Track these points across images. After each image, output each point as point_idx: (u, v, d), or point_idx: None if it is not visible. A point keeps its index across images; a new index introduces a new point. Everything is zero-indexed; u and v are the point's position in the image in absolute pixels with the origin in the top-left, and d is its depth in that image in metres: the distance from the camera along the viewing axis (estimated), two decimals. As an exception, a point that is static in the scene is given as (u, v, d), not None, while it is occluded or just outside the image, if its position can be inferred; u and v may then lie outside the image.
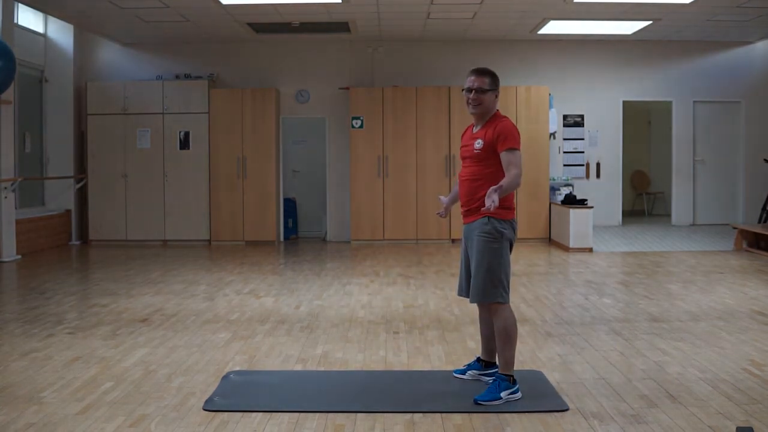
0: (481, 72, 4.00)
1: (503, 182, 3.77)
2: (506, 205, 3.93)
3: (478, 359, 4.29)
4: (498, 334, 3.94)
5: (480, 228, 3.93)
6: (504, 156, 3.87)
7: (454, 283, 7.63)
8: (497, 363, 4.05)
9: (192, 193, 11.36)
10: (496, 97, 4.00)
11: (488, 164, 3.94)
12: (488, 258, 3.90)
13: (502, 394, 3.84)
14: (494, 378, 3.95)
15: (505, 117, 4.01)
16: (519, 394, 3.89)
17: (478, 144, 3.94)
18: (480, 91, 3.95)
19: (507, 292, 3.95)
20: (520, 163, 3.85)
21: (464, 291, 4.15)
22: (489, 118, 4.01)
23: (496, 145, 3.89)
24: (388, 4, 9.33)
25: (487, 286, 3.90)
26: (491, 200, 3.61)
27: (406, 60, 11.91)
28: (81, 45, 11.60)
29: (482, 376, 4.20)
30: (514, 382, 3.90)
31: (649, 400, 3.86)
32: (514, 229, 4.02)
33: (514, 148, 3.86)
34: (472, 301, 3.98)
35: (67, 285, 7.70)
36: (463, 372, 4.30)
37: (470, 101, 3.98)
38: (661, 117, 13.97)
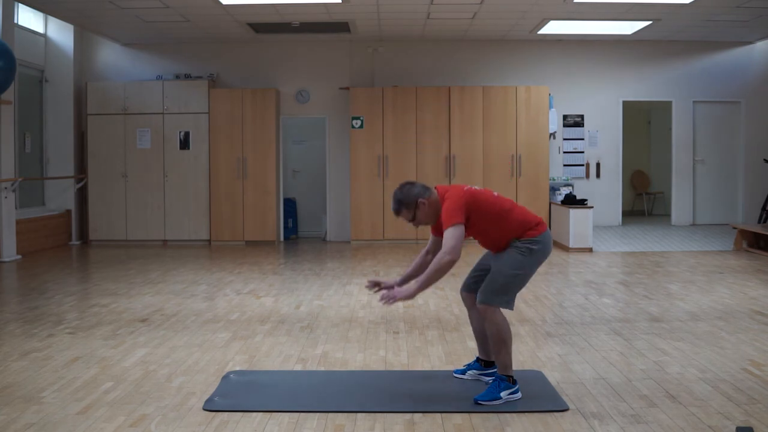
0: (397, 210, 3.97)
1: (422, 277, 3.79)
2: (528, 226, 3.93)
3: (478, 359, 4.29)
4: (492, 339, 3.93)
5: (512, 244, 3.94)
6: (443, 235, 3.84)
7: (454, 283, 7.64)
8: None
9: (192, 193, 11.36)
10: (426, 202, 3.92)
11: (478, 225, 3.92)
12: (512, 267, 3.89)
13: (502, 394, 3.84)
14: (494, 378, 3.95)
15: (446, 198, 3.88)
16: (519, 394, 3.89)
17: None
18: (412, 219, 3.96)
19: (512, 302, 3.96)
20: (454, 244, 3.73)
21: (466, 288, 4.16)
22: (437, 211, 3.96)
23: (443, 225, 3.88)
24: (388, 4, 9.33)
25: (500, 291, 3.90)
26: (391, 298, 3.71)
27: (406, 60, 11.91)
28: (81, 45, 11.60)
29: (482, 375, 4.20)
30: (514, 382, 3.90)
31: (649, 400, 3.87)
32: (545, 243, 3.96)
33: (449, 227, 3.80)
34: (480, 301, 3.95)
35: (67, 285, 7.70)
36: (462, 372, 4.30)
37: (416, 226, 4.03)
38: (661, 117, 13.97)
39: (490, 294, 3.90)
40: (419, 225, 3.99)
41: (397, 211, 3.95)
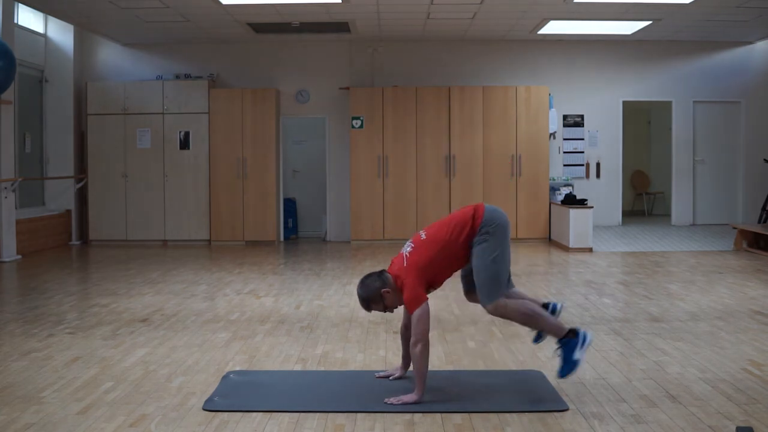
0: (367, 308, 4.03)
1: (414, 374, 3.85)
2: (471, 223, 3.94)
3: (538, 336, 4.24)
4: (524, 323, 3.98)
5: (473, 245, 3.95)
6: (411, 317, 3.88)
7: (454, 282, 7.63)
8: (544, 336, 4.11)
9: (192, 193, 11.36)
10: (389, 290, 3.94)
11: (440, 271, 3.97)
12: (485, 255, 3.89)
13: (576, 355, 3.84)
14: (558, 347, 3.92)
15: (403, 280, 3.91)
16: (589, 337, 3.88)
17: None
18: (384, 309, 4.01)
19: (506, 283, 3.98)
20: (422, 329, 3.79)
21: (466, 293, 4.20)
22: (400, 297, 3.98)
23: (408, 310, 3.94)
24: (388, 4, 9.33)
25: (492, 283, 3.90)
26: (398, 402, 3.80)
27: (406, 60, 11.91)
28: (81, 45, 11.60)
29: (558, 350, 4.05)
30: (575, 334, 3.87)
31: (649, 400, 3.86)
32: (494, 218, 3.95)
33: (414, 311, 3.84)
34: (485, 305, 3.95)
35: (67, 285, 7.70)
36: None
37: (390, 312, 4.07)
38: (661, 117, 13.97)
39: (486, 294, 3.91)
40: (393, 309, 4.05)
41: (367, 308, 4.04)
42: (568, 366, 3.86)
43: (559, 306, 4.21)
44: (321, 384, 4.25)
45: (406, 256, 3.98)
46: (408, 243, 4.07)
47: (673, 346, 4.96)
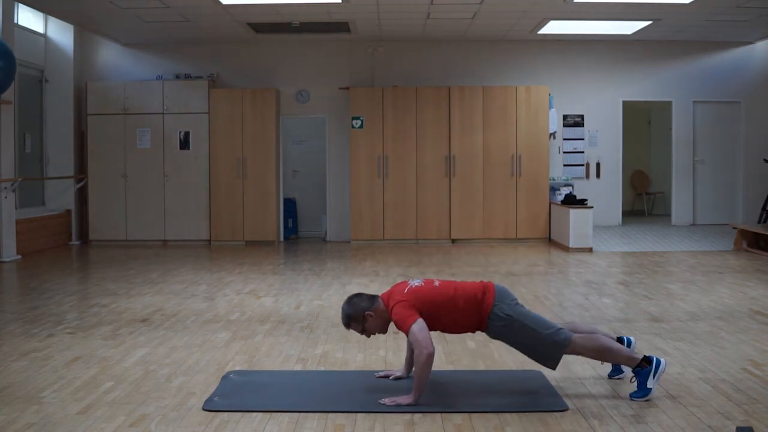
0: (346, 324, 4.03)
1: (414, 381, 3.82)
2: (481, 298, 3.95)
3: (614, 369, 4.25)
4: (600, 358, 3.98)
5: (490, 324, 3.95)
6: (409, 337, 3.88)
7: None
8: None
9: (192, 193, 11.36)
10: (373, 314, 3.97)
11: (434, 314, 3.94)
12: (518, 331, 3.91)
13: (650, 384, 3.82)
14: (633, 375, 3.91)
15: (392, 306, 3.93)
16: (662, 365, 3.84)
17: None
18: (362, 331, 4.01)
19: (558, 334, 3.91)
20: (422, 338, 3.77)
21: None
22: (386, 320, 4.01)
23: (402, 329, 3.91)
24: (388, 4, 9.33)
25: (544, 347, 3.91)
26: (392, 402, 3.79)
27: (406, 60, 11.91)
28: (81, 45, 11.60)
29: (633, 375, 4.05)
30: (648, 362, 3.85)
31: (648, 400, 3.86)
32: (503, 296, 3.99)
33: (410, 327, 3.83)
34: (548, 366, 3.98)
35: (67, 285, 7.70)
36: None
37: (367, 336, 4.07)
38: (661, 117, 13.97)
39: (544, 358, 3.93)
40: (370, 335, 4.05)
41: (347, 325, 4.04)
42: (641, 392, 3.85)
43: (633, 341, 4.24)
44: (321, 384, 4.25)
45: (411, 286, 4.00)
46: (419, 279, 4.12)
47: (673, 346, 4.96)
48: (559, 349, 3.88)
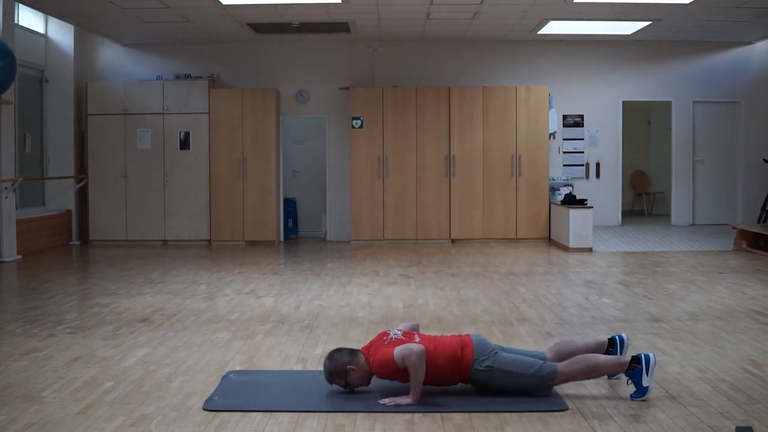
0: (329, 381, 4.01)
1: (411, 382, 3.83)
2: (461, 352, 3.96)
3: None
4: (591, 376, 3.98)
5: (473, 374, 3.97)
6: (396, 359, 3.87)
7: (454, 282, 7.65)
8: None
9: (192, 193, 11.36)
10: (355, 368, 3.97)
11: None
12: (501, 377, 3.93)
13: (644, 383, 3.84)
14: (627, 376, 3.93)
15: (374, 357, 3.98)
16: (652, 359, 3.85)
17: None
18: (345, 385, 4.00)
19: (543, 368, 3.93)
20: (407, 346, 3.84)
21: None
22: (368, 373, 4.02)
23: (393, 366, 3.90)
24: (388, 4, 9.33)
25: (529, 378, 3.92)
26: (393, 402, 3.81)
27: (406, 60, 11.91)
28: (81, 45, 11.60)
29: (628, 379, 4.03)
30: (637, 362, 3.86)
31: (648, 399, 3.87)
32: (481, 347, 4.00)
33: (393, 356, 3.86)
34: (541, 395, 3.96)
35: (67, 285, 7.71)
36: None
37: (350, 390, 4.04)
38: (661, 117, 13.97)
39: (535, 393, 3.92)
40: (354, 388, 4.04)
41: (330, 381, 4.03)
42: (640, 392, 3.87)
43: (626, 337, 4.24)
44: (321, 384, 4.24)
45: (392, 338, 4.03)
46: (398, 331, 4.12)
47: (673, 346, 4.96)
48: (546, 383, 3.93)
